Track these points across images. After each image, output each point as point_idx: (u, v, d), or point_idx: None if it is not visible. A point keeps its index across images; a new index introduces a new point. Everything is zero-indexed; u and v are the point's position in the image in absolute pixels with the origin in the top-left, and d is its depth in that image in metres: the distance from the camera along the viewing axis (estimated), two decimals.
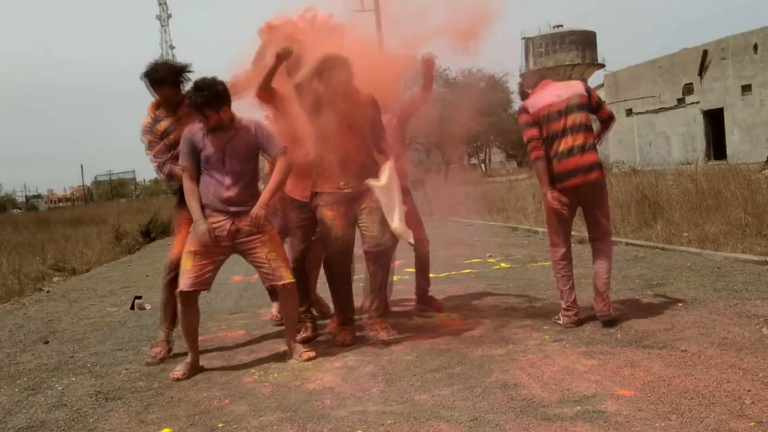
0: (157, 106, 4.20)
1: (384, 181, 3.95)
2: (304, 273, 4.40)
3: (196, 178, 3.82)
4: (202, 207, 3.77)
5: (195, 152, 3.78)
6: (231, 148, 3.77)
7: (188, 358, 3.79)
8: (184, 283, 3.70)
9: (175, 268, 4.00)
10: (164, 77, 4.06)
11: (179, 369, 3.72)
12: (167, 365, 3.95)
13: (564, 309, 4.16)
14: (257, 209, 3.75)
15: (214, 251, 3.75)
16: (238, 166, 3.78)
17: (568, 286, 4.18)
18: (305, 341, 4.17)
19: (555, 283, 4.30)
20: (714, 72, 29.01)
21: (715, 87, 29.10)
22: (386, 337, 3.99)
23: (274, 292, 4.14)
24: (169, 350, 4.16)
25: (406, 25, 4.40)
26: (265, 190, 3.88)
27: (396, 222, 3.97)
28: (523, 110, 4.16)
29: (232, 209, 3.73)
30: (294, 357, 3.88)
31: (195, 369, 3.76)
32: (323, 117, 3.98)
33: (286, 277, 3.80)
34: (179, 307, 3.79)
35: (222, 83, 3.75)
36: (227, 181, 3.75)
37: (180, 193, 4.06)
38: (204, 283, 3.75)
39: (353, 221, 4.10)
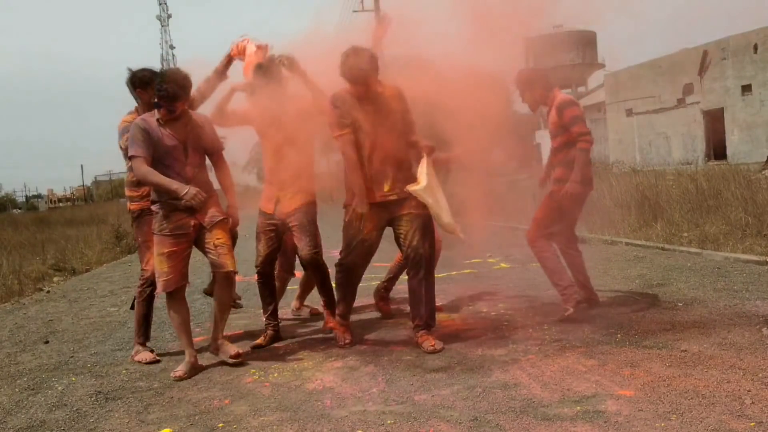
0: (136, 114, 4.11)
1: (424, 181, 3.79)
2: (271, 280, 4.34)
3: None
4: (161, 205, 3.72)
5: (150, 142, 3.68)
6: (191, 140, 3.78)
7: (187, 357, 3.79)
8: (167, 285, 3.74)
9: (152, 284, 4.04)
10: (152, 79, 4.01)
11: (180, 368, 3.72)
12: (167, 365, 3.96)
13: (563, 289, 4.20)
14: (234, 210, 3.92)
15: (183, 247, 3.78)
16: (198, 158, 3.82)
17: (559, 268, 4.30)
18: (256, 347, 4.18)
19: (548, 276, 4.37)
20: (714, 72, 28.95)
21: (715, 87, 29.04)
22: (435, 348, 3.77)
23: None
24: (152, 351, 4.18)
25: None
26: (229, 191, 3.97)
27: (446, 218, 3.87)
28: (575, 104, 4.32)
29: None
30: (221, 356, 3.85)
31: (195, 368, 3.77)
32: (360, 123, 3.82)
33: (230, 266, 3.79)
34: (169, 305, 3.83)
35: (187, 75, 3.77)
36: (188, 172, 3.74)
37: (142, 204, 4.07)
38: (184, 277, 3.82)
39: (384, 224, 3.97)
